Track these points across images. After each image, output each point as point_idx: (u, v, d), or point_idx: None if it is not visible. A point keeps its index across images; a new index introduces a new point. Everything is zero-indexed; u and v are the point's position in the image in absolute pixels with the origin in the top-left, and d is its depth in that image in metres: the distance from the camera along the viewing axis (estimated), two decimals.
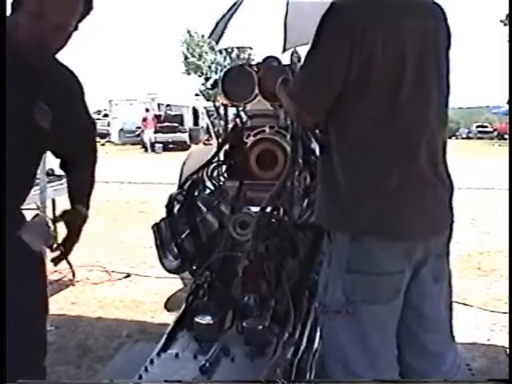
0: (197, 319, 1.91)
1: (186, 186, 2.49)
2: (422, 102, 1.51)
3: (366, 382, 1.54)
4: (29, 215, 1.71)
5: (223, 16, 3.02)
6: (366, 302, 1.50)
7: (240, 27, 3.01)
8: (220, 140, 2.74)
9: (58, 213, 1.80)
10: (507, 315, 3.25)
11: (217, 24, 3.04)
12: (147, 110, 23.53)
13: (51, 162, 3.62)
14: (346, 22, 1.48)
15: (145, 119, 22.83)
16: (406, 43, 1.49)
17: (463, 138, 33.71)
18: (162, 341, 1.91)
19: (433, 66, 1.54)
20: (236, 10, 2.94)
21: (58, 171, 4.22)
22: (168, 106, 27.63)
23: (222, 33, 2.97)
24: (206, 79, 39.65)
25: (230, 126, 2.79)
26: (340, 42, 1.47)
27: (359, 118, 1.51)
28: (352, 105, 1.51)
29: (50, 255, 1.77)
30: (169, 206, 2.38)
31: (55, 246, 1.71)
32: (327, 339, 1.64)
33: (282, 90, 1.74)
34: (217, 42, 3.22)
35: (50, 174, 3.89)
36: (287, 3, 2.72)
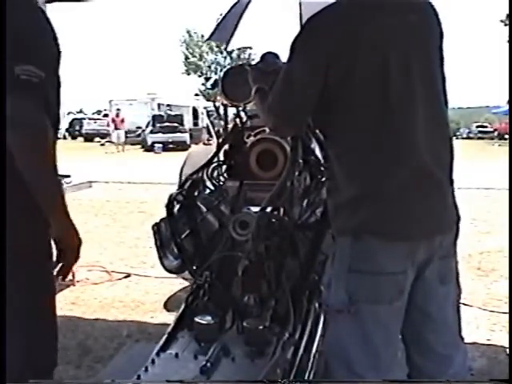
0: (197, 319, 1.91)
1: (186, 186, 2.49)
2: (411, 101, 1.49)
3: (368, 381, 1.54)
4: None
5: (224, 17, 3.01)
6: (368, 301, 1.50)
7: (247, 28, 3.01)
8: (220, 140, 2.74)
9: None
10: (507, 315, 3.25)
11: (217, 26, 3.04)
12: (117, 113, 23.57)
13: None
14: (321, 34, 1.49)
15: (113, 120, 23.00)
16: (388, 42, 1.49)
17: (463, 138, 33.69)
18: (162, 341, 1.91)
19: (421, 61, 1.52)
20: (243, 12, 2.93)
21: (58, 171, 4.23)
22: (168, 105, 27.66)
23: (231, 37, 2.97)
24: (206, 79, 39.70)
25: (230, 125, 2.79)
26: (315, 56, 1.49)
27: (351, 121, 1.51)
28: (342, 108, 1.51)
29: None
30: (169, 206, 2.38)
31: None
32: (330, 338, 1.64)
33: (258, 99, 1.75)
34: (226, 46, 3.22)
35: None
36: (300, 3, 2.72)
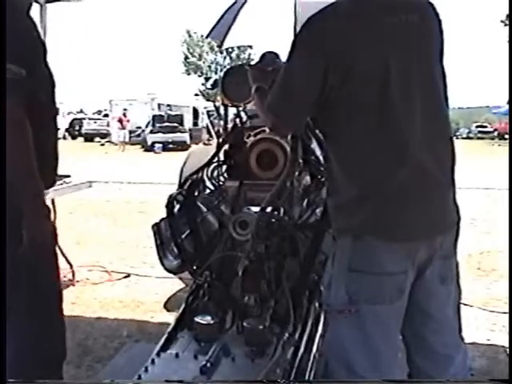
0: (197, 319, 1.91)
1: (186, 186, 2.49)
2: (411, 101, 1.49)
3: (368, 381, 1.54)
4: None
5: (222, 16, 3.02)
6: (368, 301, 1.50)
7: (245, 27, 3.02)
8: (220, 140, 2.74)
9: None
10: (507, 315, 3.25)
11: (216, 24, 3.04)
12: (124, 113, 23.58)
13: None
14: (321, 34, 1.49)
15: (120, 120, 23.01)
16: (388, 42, 1.49)
17: (463, 138, 33.66)
18: (162, 341, 1.91)
19: (421, 62, 1.52)
20: (239, 10, 2.94)
21: (58, 171, 4.22)
22: (168, 105, 27.68)
23: (226, 34, 2.98)
24: (206, 79, 39.67)
25: (230, 125, 2.79)
26: (315, 56, 1.48)
27: (350, 121, 1.51)
28: (342, 108, 1.51)
29: None
30: (169, 206, 2.38)
31: None
32: (330, 338, 1.64)
33: (258, 98, 1.75)
34: (220, 44, 3.23)
35: None
36: (295, 3, 2.72)
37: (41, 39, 1.64)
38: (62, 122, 31.52)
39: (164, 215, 2.37)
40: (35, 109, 1.52)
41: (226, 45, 3.31)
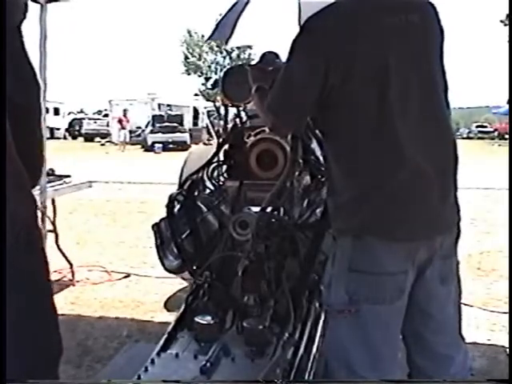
0: (197, 319, 1.91)
1: (186, 186, 2.49)
2: (410, 101, 1.49)
3: (368, 381, 1.54)
4: None
5: (224, 17, 3.01)
6: (368, 301, 1.50)
7: (245, 27, 3.01)
8: (220, 140, 2.74)
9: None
10: (507, 315, 3.25)
11: (217, 25, 3.04)
12: (125, 113, 23.60)
13: (51, 162, 3.62)
14: (320, 34, 1.48)
15: (120, 120, 23.03)
16: (388, 42, 1.48)
17: (463, 138, 33.65)
18: (162, 341, 1.91)
19: (421, 62, 1.52)
20: (242, 11, 2.93)
21: (58, 171, 4.23)
22: (168, 105, 27.68)
23: (232, 33, 2.97)
24: (206, 79, 39.73)
25: (230, 125, 2.79)
26: (314, 56, 1.48)
27: (350, 121, 1.51)
28: (341, 108, 1.51)
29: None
30: (169, 206, 2.38)
31: None
32: (330, 338, 1.64)
33: (258, 98, 1.75)
34: (226, 43, 3.23)
35: (50, 174, 3.89)
36: (299, 3, 2.72)
37: (25, 51, 1.62)
38: (62, 122, 31.58)
39: (164, 215, 2.37)
40: (10, 107, 1.50)
41: (232, 43, 3.30)
